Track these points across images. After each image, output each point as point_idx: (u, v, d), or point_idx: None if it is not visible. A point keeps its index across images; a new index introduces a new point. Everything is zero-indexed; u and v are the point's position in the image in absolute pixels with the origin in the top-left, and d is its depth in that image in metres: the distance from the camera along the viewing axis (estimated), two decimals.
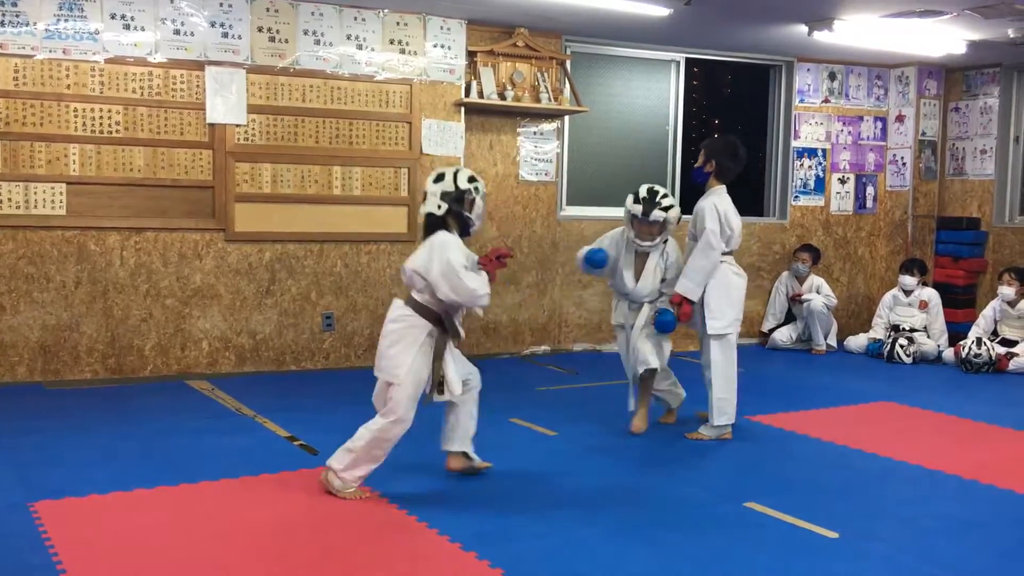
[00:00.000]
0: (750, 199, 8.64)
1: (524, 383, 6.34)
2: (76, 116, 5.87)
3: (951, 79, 8.72)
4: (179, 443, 4.63)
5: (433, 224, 3.88)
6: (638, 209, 4.88)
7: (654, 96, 8.08)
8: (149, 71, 6.02)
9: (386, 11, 6.58)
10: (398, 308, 3.88)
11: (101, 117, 5.93)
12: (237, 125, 6.27)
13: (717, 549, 3.35)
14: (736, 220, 4.93)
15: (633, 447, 4.74)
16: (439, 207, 3.86)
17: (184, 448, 4.54)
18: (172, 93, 6.10)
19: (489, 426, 5.09)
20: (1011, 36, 7.05)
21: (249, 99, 6.27)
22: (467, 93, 6.91)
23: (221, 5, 6.13)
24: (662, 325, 4.89)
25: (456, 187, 3.88)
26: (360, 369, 6.59)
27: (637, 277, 5.01)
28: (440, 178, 3.89)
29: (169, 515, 3.60)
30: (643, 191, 4.91)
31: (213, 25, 6.13)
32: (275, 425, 5.01)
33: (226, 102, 6.20)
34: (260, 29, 6.26)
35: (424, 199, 3.92)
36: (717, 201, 4.90)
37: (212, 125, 6.20)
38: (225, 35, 6.17)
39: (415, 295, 3.86)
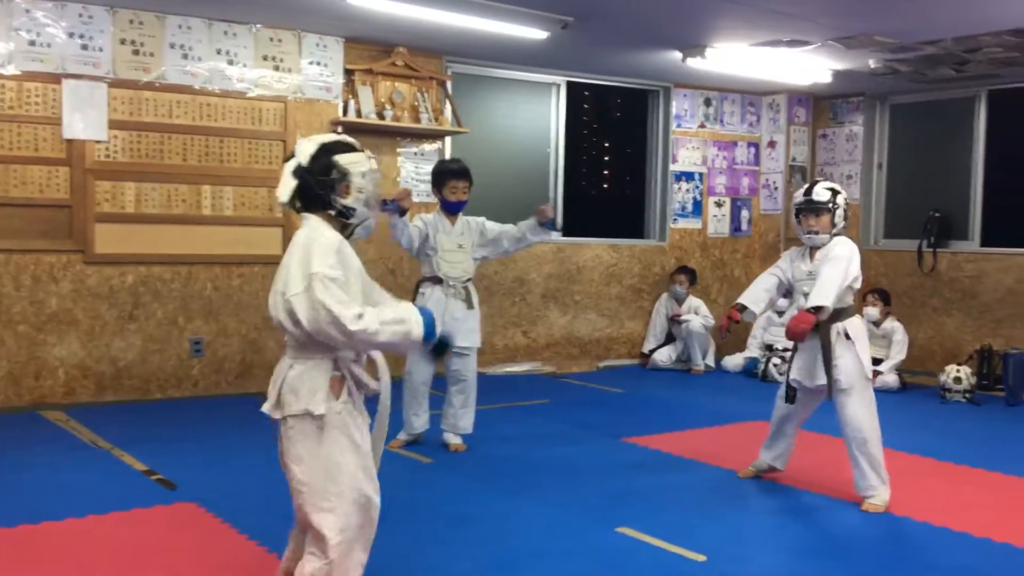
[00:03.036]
0: (631, 221, 8.76)
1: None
2: None
3: (819, 107, 9.05)
4: (24, 480, 4.32)
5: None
6: None
7: (536, 118, 8.11)
8: (1, 83, 5.67)
9: (259, 26, 6.39)
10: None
11: None
12: (97, 141, 5.96)
13: None
14: None
15: (507, 475, 4.67)
16: (289, 194, 2.75)
17: (29, 485, 4.24)
18: (26, 107, 5.76)
19: None
20: (872, 67, 7.36)
21: (111, 114, 5.98)
22: (344, 112, 6.77)
23: (80, 16, 5.83)
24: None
25: (311, 161, 2.72)
26: (232, 396, 6.33)
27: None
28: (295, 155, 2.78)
29: (2, 561, 3.33)
30: None
31: (72, 36, 5.83)
32: (132, 458, 4.73)
33: (85, 117, 5.89)
34: (123, 41, 5.98)
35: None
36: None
37: (70, 141, 5.88)
38: (85, 47, 5.87)
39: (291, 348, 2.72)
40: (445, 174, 5.09)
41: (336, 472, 2.66)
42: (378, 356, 2.84)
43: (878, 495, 4.11)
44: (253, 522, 3.72)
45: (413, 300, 4.99)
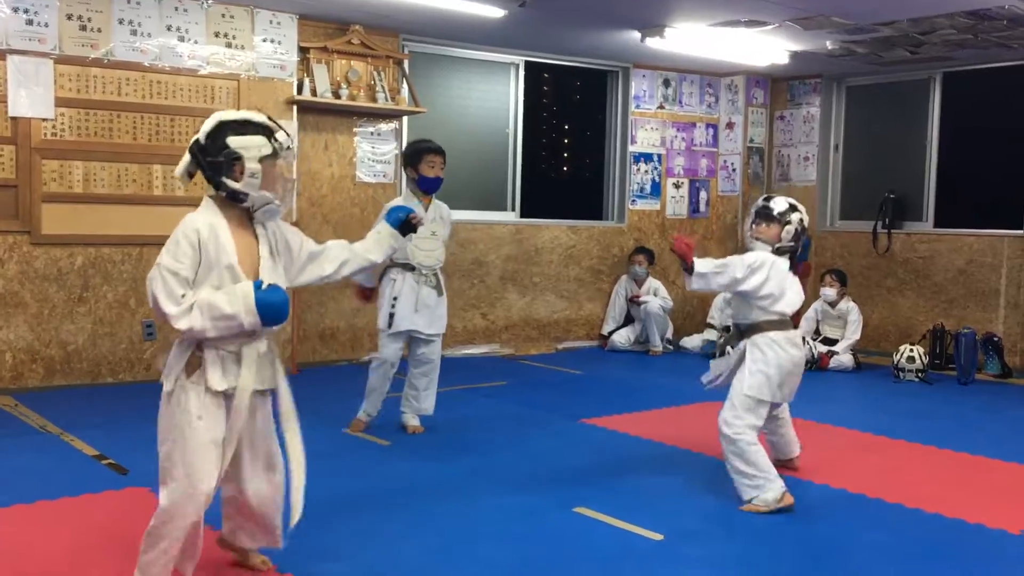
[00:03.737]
0: (590, 203, 8.75)
1: (361, 391, 6.13)
2: None
3: (776, 88, 9.10)
4: None
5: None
6: None
7: (494, 99, 8.05)
8: None
9: (210, 2, 6.25)
10: None
11: None
12: (44, 119, 5.80)
13: (543, 559, 3.29)
14: None
15: (466, 457, 4.65)
16: (181, 169, 2.78)
17: None
18: None
19: (321, 436, 4.90)
20: (829, 48, 7.40)
21: (57, 91, 5.82)
22: (299, 91, 6.66)
23: None
24: None
25: (206, 138, 2.72)
26: None
27: None
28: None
29: None
30: None
31: (16, 11, 5.65)
32: (83, 443, 4.63)
33: (31, 94, 5.73)
34: (70, 17, 5.81)
35: None
36: None
37: (15, 119, 5.72)
38: (30, 22, 5.70)
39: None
40: (422, 151, 4.92)
41: (180, 454, 2.69)
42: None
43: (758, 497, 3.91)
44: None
45: (379, 283, 4.92)
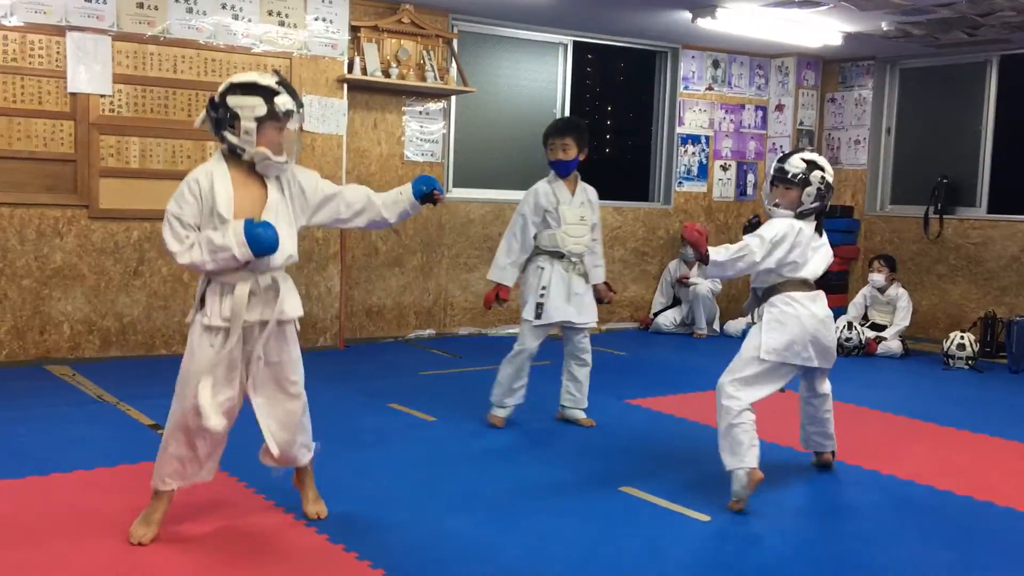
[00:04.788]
0: (635, 184, 8.72)
1: (406, 368, 6.22)
2: None
3: (828, 70, 8.97)
4: (31, 432, 4.34)
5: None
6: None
7: (542, 79, 8.04)
8: (3, 35, 5.62)
9: None
10: None
11: None
12: (102, 95, 5.92)
13: (591, 534, 3.32)
14: None
15: (509, 433, 4.69)
16: (199, 121, 3.11)
17: (37, 438, 4.26)
18: (29, 59, 5.70)
19: (367, 411, 4.99)
20: (884, 29, 7.28)
21: (115, 68, 5.93)
22: (350, 69, 6.72)
23: None
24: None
25: (219, 96, 3.02)
26: None
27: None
28: None
29: (13, 509, 3.35)
30: None
31: None
32: (139, 413, 4.75)
33: (90, 71, 5.84)
34: None
35: None
36: None
37: (74, 95, 5.84)
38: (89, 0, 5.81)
39: None
40: (545, 135, 4.72)
41: (185, 375, 3.07)
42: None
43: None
44: (256, 473, 3.73)
45: (523, 272, 4.74)
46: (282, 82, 3.05)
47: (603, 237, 8.29)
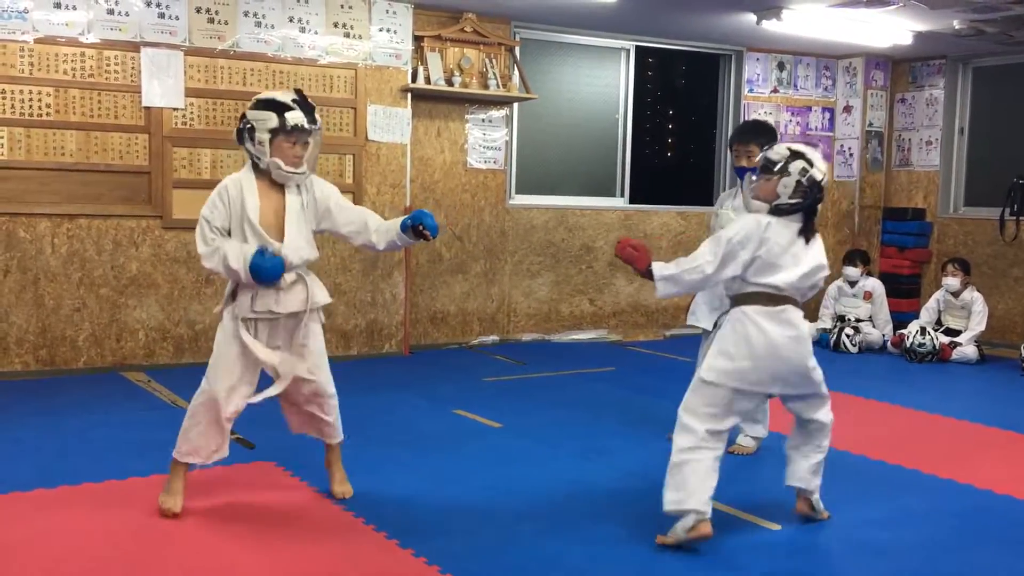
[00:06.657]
0: (698, 189, 8.64)
1: (471, 374, 6.25)
2: (4, 98, 5.64)
3: (897, 70, 8.78)
4: (108, 437, 4.47)
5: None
6: None
7: (604, 84, 8.02)
8: (81, 52, 5.81)
9: None
10: None
11: (31, 99, 5.71)
12: (175, 109, 6.08)
13: (655, 544, 3.30)
14: None
15: (577, 439, 4.68)
16: (236, 134, 3.41)
17: (113, 443, 4.39)
18: (106, 75, 5.89)
19: (432, 417, 5.03)
20: (956, 27, 7.10)
21: (187, 82, 6.08)
22: (414, 79, 6.79)
23: None
24: None
25: (248, 110, 3.36)
26: None
27: None
28: None
29: (91, 512, 3.46)
30: None
31: (149, 5, 5.93)
32: None
33: (163, 85, 6.01)
34: (199, 10, 6.06)
35: None
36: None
37: (148, 108, 6.01)
38: (162, 15, 5.97)
39: None
40: (732, 138, 4.46)
41: (214, 361, 3.44)
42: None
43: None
44: (326, 481, 3.80)
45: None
46: (299, 100, 3.33)
47: (667, 243, 8.30)
